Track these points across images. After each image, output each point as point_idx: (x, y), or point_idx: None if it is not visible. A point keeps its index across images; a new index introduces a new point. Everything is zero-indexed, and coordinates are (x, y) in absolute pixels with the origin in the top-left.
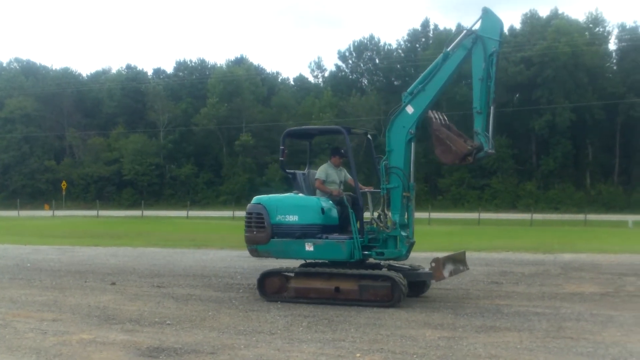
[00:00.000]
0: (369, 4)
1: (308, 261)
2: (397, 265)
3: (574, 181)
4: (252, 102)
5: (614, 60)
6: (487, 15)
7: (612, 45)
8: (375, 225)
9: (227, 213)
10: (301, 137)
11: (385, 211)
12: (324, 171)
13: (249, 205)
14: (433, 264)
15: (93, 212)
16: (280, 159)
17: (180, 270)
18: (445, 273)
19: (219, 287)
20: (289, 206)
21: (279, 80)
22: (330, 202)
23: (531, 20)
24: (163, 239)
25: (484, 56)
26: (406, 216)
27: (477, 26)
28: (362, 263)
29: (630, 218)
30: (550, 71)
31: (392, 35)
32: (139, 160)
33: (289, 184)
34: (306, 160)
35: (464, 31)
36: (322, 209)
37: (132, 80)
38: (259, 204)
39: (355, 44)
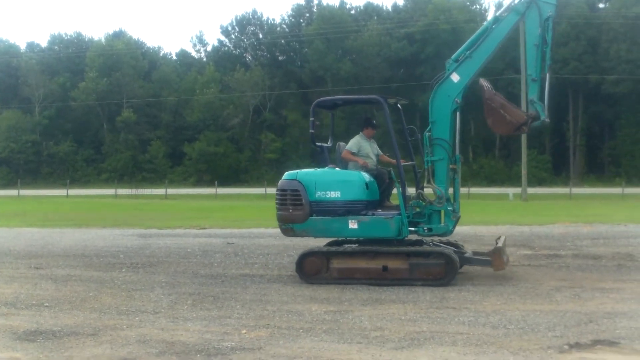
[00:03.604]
0: None
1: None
2: (441, 244)
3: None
4: (133, 77)
5: None
6: None
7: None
8: (420, 200)
9: (109, 191)
10: (333, 107)
11: (432, 184)
12: (356, 143)
13: (281, 182)
14: (494, 254)
15: None
16: (311, 131)
17: (59, 251)
18: (505, 263)
19: (101, 266)
20: (330, 182)
21: (161, 55)
22: (371, 176)
23: None
24: (41, 219)
25: (539, 21)
26: (452, 190)
27: None
28: (402, 241)
29: (510, 190)
30: (432, 47)
31: (276, 10)
32: (13, 138)
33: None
34: (329, 133)
35: None
36: (367, 184)
37: (3, 54)
38: (295, 179)
39: (238, 18)
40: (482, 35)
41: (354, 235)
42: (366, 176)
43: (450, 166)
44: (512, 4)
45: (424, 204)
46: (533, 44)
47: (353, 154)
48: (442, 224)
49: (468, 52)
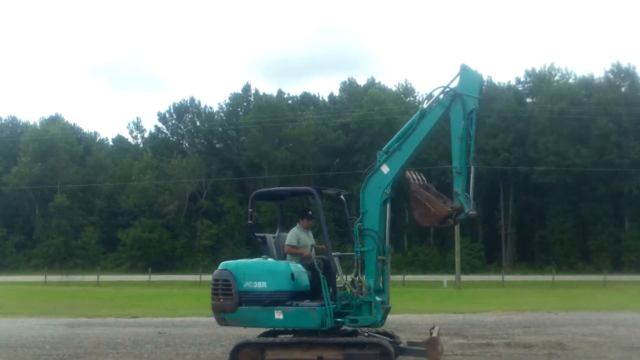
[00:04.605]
0: (189, 68)
1: (274, 329)
2: (375, 334)
3: (392, 243)
4: (68, 162)
5: None
6: (466, 72)
7: None
8: (348, 291)
9: (39, 278)
10: (270, 198)
11: (360, 276)
12: (294, 235)
13: (215, 271)
14: (430, 344)
15: None
16: (249, 222)
17: None
18: (440, 353)
19: (25, 358)
20: (257, 271)
21: (97, 140)
22: (301, 267)
23: (349, 88)
24: None
25: (463, 114)
26: (381, 280)
27: (455, 83)
28: (337, 330)
29: (445, 278)
30: (367, 138)
31: (213, 98)
32: None
33: (255, 249)
34: (276, 222)
35: (441, 88)
36: (292, 275)
37: None
38: (226, 269)
39: (176, 105)
40: (410, 128)
41: (280, 325)
42: (294, 267)
43: (379, 257)
44: (438, 98)
45: (350, 295)
46: (457, 137)
47: (294, 246)
48: (371, 316)
49: (397, 144)
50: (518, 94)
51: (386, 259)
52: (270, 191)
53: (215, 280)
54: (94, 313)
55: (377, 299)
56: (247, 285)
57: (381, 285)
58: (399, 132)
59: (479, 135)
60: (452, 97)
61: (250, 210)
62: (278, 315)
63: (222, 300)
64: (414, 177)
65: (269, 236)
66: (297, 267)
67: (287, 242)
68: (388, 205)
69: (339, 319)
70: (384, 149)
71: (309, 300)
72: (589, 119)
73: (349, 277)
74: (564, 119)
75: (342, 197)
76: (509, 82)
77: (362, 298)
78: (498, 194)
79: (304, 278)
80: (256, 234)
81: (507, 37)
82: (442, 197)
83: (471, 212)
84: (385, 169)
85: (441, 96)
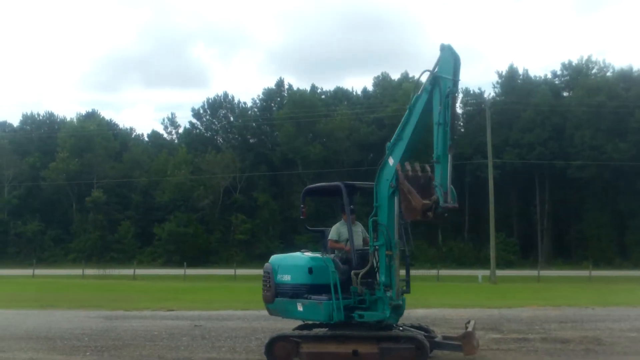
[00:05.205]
0: (223, 64)
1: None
2: (410, 328)
3: (426, 238)
4: (104, 157)
5: (462, 123)
6: (443, 53)
7: (458, 109)
8: (356, 286)
9: (77, 271)
10: (321, 194)
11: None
12: (335, 230)
13: (265, 264)
14: (465, 338)
15: None
16: (301, 217)
17: (22, 333)
18: (476, 347)
19: (64, 350)
20: (286, 266)
21: (133, 136)
22: (330, 261)
23: (383, 82)
24: (5, 300)
25: (440, 98)
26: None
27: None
28: (373, 325)
29: (479, 273)
30: None
31: (247, 94)
32: None
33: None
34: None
35: (426, 72)
36: (310, 269)
37: None
38: (269, 263)
39: (210, 101)
40: (407, 116)
41: (301, 317)
42: (315, 261)
43: (386, 252)
44: (422, 82)
45: (359, 291)
46: (435, 123)
47: (335, 241)
48: (379, 312)
49: (397, 134)
50: (554, 88)
51: (393, 254)
52: (316, 187)
53: (264, 272)
54: (131, 306)
55: (387, 294)
56: (279, 278)
57: (390, 280)
58: (401, 121)
59: (455, 120)
60: (433, 80)
61: (301, 206)
62: (299, 307)
63: (266, 291)
64: (407, 168)
65: (327, 230)
66: (318, 261)
67: (329, 237)
68: (396, 198)
69: (351, 314)
70: (391, 140)
71: (325, 295)
72: (627, 112)
73: (353, 273)
74: (601, 112)
75: None
76: (545, 75)
77: (370, 294)
78: (534, 188)
79: (324, 272)
80: (313, 228)
81: (543, 31)
82: (430, 189)
83: (449, 205)
84: (391, 160)
85: (424, 80)
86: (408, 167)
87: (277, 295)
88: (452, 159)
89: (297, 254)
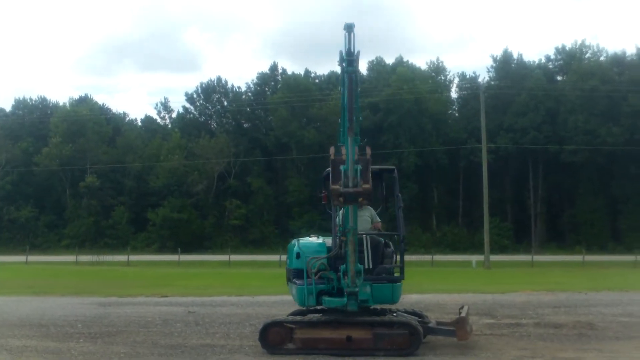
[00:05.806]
0: (216, 48)
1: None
2: (404, 314)
3: (420, 223)
4: (97, 142)
5: (456, 107)
6: (345, 30)
7: (453, 94)
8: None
9: (70, 257)
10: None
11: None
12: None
13: None
14: (458, 324)
15: None
16: (323, 203)
17: (15, 320)
18: (469, 332)
19: (58, 336)
20: (289, 251)
21: (126, 120)
22: (315, 245)
23: (377, 67)
24: None
25: (341, 79)
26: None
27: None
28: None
29: (473, 258)
30: (395, 117)
31: (241, 78)
32: None
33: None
34: None
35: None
36: (298, 254)
37: None
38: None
39: (204, 85)
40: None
41: (295, 300)
42: (304, 247)
43: (341, 237)
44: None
45: (328, 277)
46: (340, 106)
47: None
48: (337, 299)
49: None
50: (548, 72)
51: (347, 239)
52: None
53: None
54: (125, 292)
55: (343, 281)
56: (288, 262)
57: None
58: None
59: (354, 101)
60: (340, 61)
61: (322, 191)
62: (292, 290)
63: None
64: (342, 152)
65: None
66: (306, 247)
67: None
68: None
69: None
70: None
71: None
72: (621, 96)
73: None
74: (595, 97)
75: (394, 174)
76: (539, 60)
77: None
78: (528, 173)
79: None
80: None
81: (537, 15)
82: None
83: (349, 189)
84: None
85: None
86: (343, 151)
87: (289, 279)
88: (352, 141)
89: (304, 238)
